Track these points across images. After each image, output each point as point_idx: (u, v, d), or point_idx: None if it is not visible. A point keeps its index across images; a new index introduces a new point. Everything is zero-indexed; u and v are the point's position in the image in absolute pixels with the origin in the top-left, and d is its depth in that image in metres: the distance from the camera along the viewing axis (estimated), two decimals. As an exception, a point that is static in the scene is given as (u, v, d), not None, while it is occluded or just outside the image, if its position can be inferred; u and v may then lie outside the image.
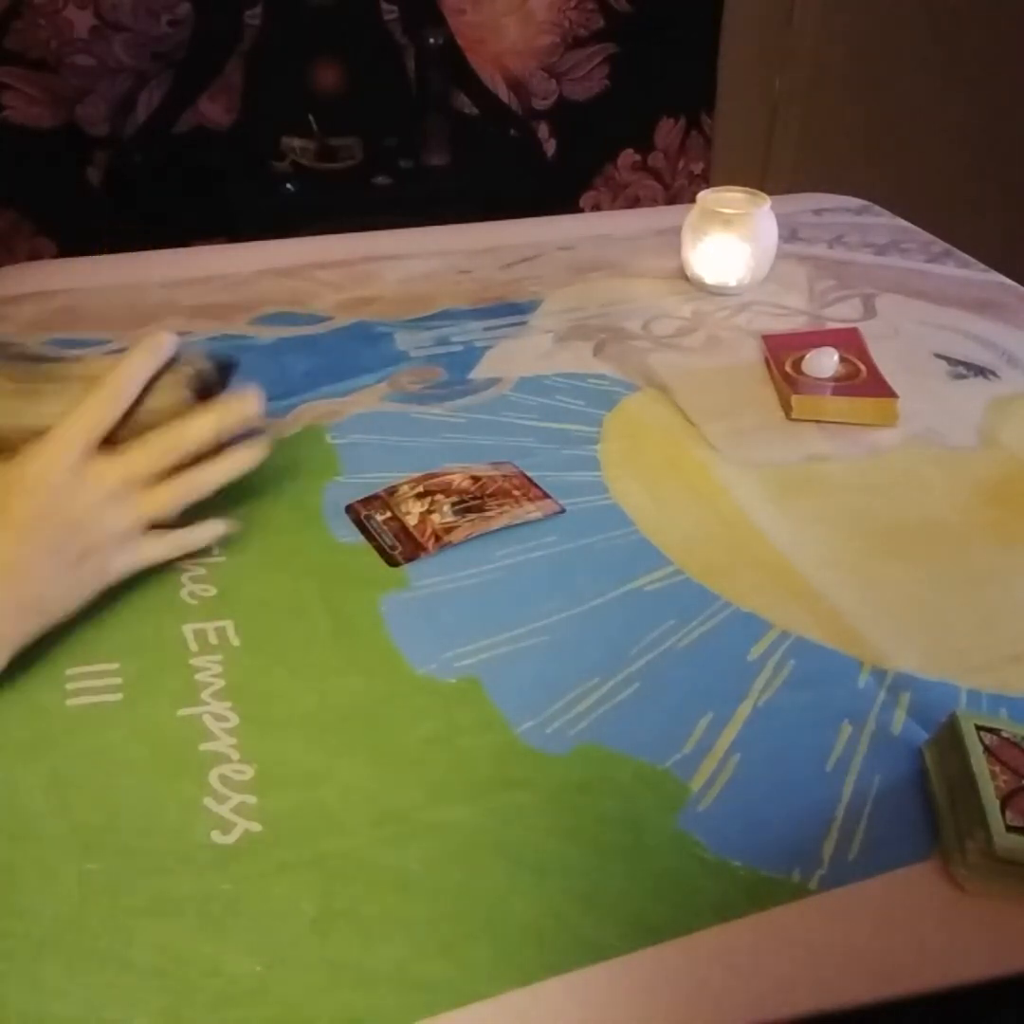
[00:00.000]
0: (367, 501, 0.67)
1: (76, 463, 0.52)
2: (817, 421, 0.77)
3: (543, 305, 0.94)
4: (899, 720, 0.52)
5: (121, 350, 0.56)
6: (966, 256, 1.06)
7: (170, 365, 0.57)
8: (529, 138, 2.12)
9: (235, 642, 0.56)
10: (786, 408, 0.78)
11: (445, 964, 0.41)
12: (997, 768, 0.45)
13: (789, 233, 1.06)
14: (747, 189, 0.94)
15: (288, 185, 1.89)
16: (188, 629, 0.57)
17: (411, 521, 0.64)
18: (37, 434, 0.53)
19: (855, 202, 1.19)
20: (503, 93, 2.05)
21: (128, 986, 0.40)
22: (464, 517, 0.65)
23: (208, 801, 0.47)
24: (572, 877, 0.45)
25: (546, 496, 0.67)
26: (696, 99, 2.18)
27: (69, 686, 0.53)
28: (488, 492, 0.67)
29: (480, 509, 0.65)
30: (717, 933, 0.43)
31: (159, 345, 0.56)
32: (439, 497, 0.66)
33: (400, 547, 0.63)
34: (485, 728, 0.51)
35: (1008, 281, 1.00)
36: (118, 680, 0.54)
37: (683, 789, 0.48)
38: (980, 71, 2.21)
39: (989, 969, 0.42)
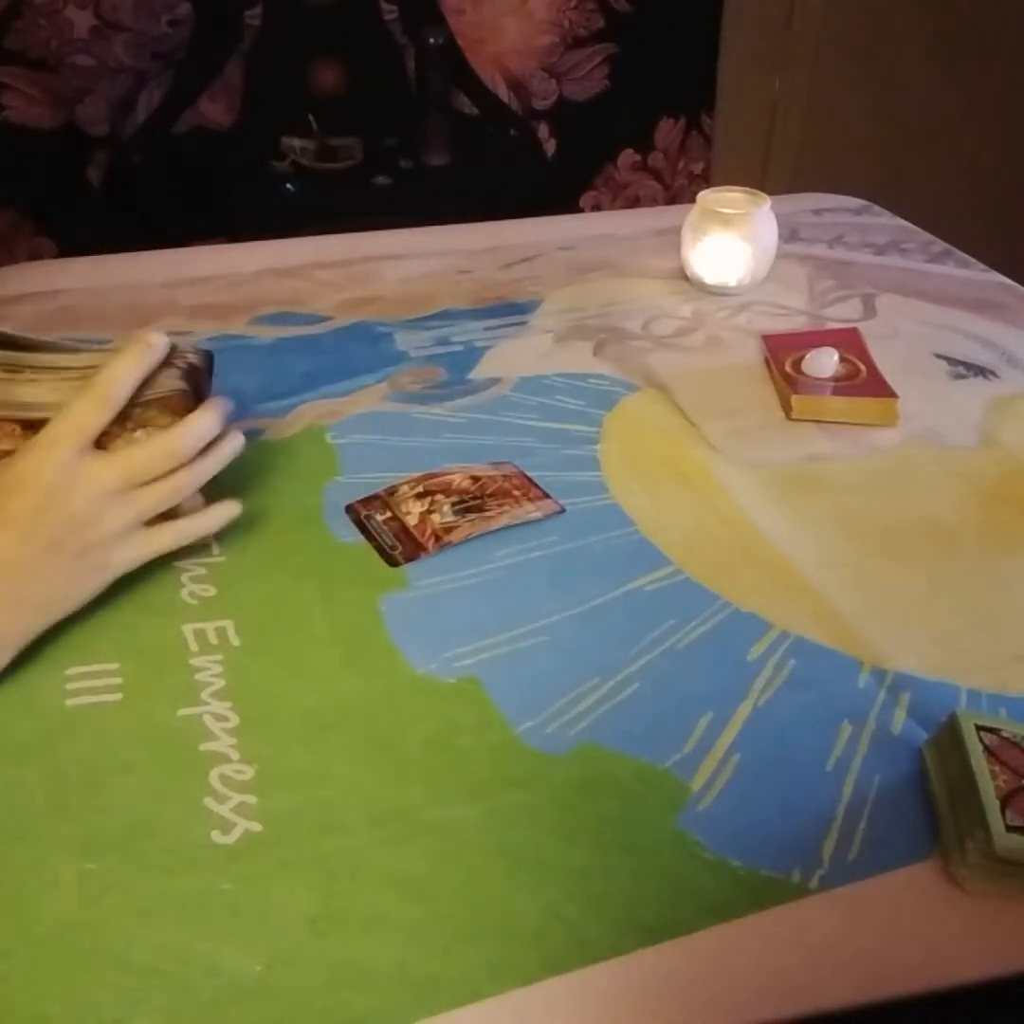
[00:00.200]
0: (367, 501, 0.67)
1: (70, 461, 0.52)
2: (817, 421, 0.77)
3: (543, 305, 0.94)
4: (899, 720, 0.52)
5: (115, 347, 0.56)
6: (966, 256, 1.06)
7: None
8: (529, 138, 2.12)
9: (235, 642, 0.56)
10: (786, 408, 0.78)
11: (445, 964, 0.41)
12: (997, 768, 0.45)
13: (789, 233, 1.06)
14: (747, 189, 0.94)
15: (288, 185, 1.89)
16: (188, 629, 0.57)
17: (411, 521, 0.65)
18: (20, 416, 0.53)
19: (855, 202, 1.19)
20: (503, 93, 2.06)
21: (128, 986, 0.40)
22: (464, 517, 0.65)
23: (208, 801, 0.47)
24: (572, 877, 0.45)
25: (546, 496, 0.67)
26: (696, 99, 2.18)
27: (69, 686, 0.53)
28: (488, 492, 0.67)
29: (480, 509, 0.65)
30: (717, 933, 0.43)
31: (151, 346, 0.55)
32: (439, 497, 0.66)
33: (400, 547, 0.63)
34: (485, 728, 0.51)
35: (1008, 281, 1.00)
36: (118, 680, 0.54)
37: (683, 789, 0.48)
38: (980, 71, 2.21)
39: (989, 969, 0.42)
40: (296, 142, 1.90)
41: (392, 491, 0.67)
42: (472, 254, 1.04)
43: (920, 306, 0.95)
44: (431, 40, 1.88)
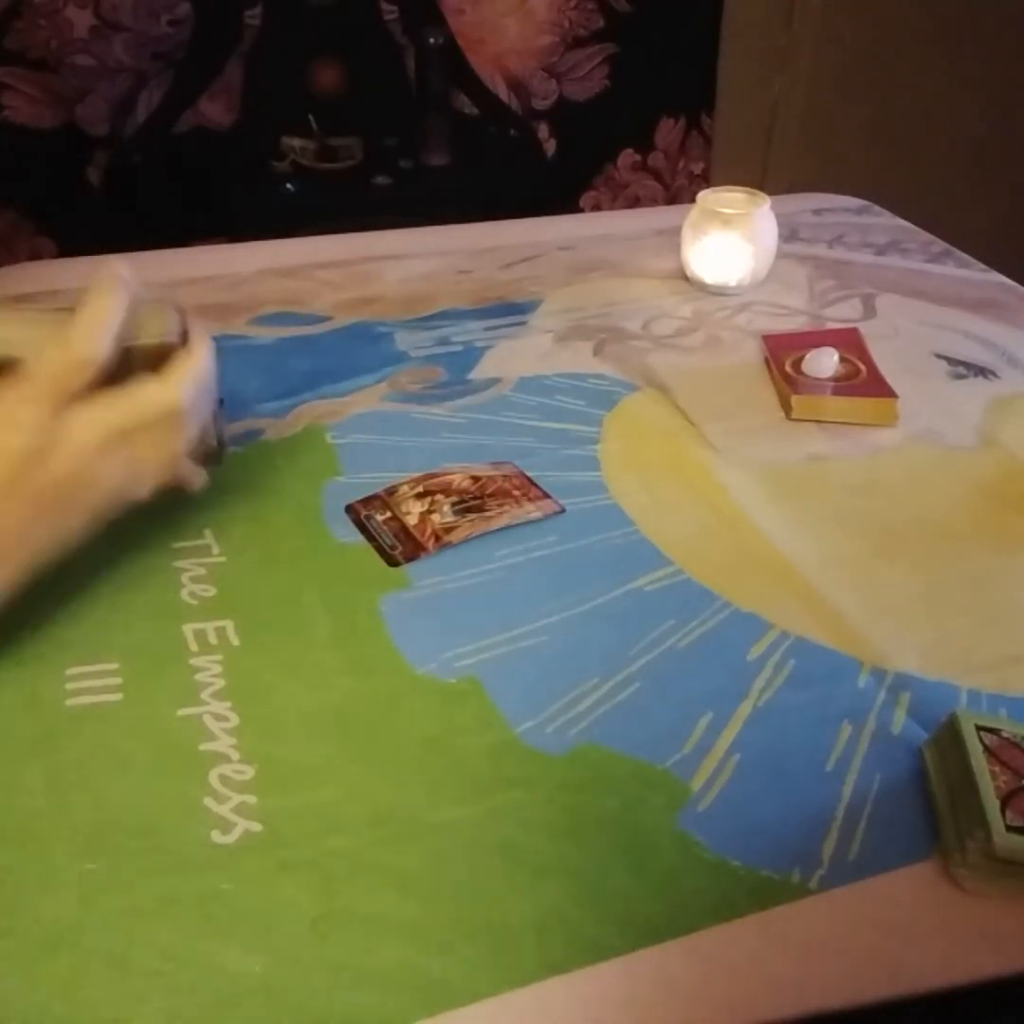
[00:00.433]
0: (367, 501, 0.67)
1: (43, 425, 0.48)
2: (817, 421, 0.77)
3: (543, 305, 0.94)
4: (899, 720, 0.52)
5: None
6: (966, 256, 1.06)
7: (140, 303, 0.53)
8: (529, 138, 2.12)
9: (235, 642, 0.56)
10: (786, 408, 0.78)
11: (445, 964, 0.41)
12: (997, 768, 0.45)
13: (789, 233, 1.06)
14: (747, 189, 0.94)
15: (288, 185, 1.89)
16: (188, 629, 0.57)
17: (411, 521, 0.65)
18: None
19: (855, 202, 1.19)
20: (503, 93, 2.06)
21: (128, 986, 0.40)
22: (464, 517, 0.65)
23: (208, 801, 0.47)
24: (572, 877, 0.45)
25: (546, 496, 0.67)
26: (696, 99, 2.18)
27: (69, 686, 0.53)
28: (488, 492, 0.67)
29: (480, 509, 0.65)
30: (717, 933, 0.43)
31: (123, 278, 0.51)
32: (439, 497, 0.66)
33: (400, 547, 0.63)
34: (485, 728, 0.51)
35: (1008, 281, 1.00)
36: (118, 680, 0.54)
37: (683, 789, 0.48)
38: (980, 71, 2.21)
39: (989, 969, 0.42)
40: (296, 142, 1.90)
41: (392, 491, 0.67)
42: (472, 254, 1.04)
43: (920, 306, 0.95)
44: (431, 40, 1.88)
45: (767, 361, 0.84)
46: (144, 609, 0.58)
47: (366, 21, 1.89)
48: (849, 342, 0.83)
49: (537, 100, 2.08)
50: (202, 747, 0.50)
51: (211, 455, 0.60)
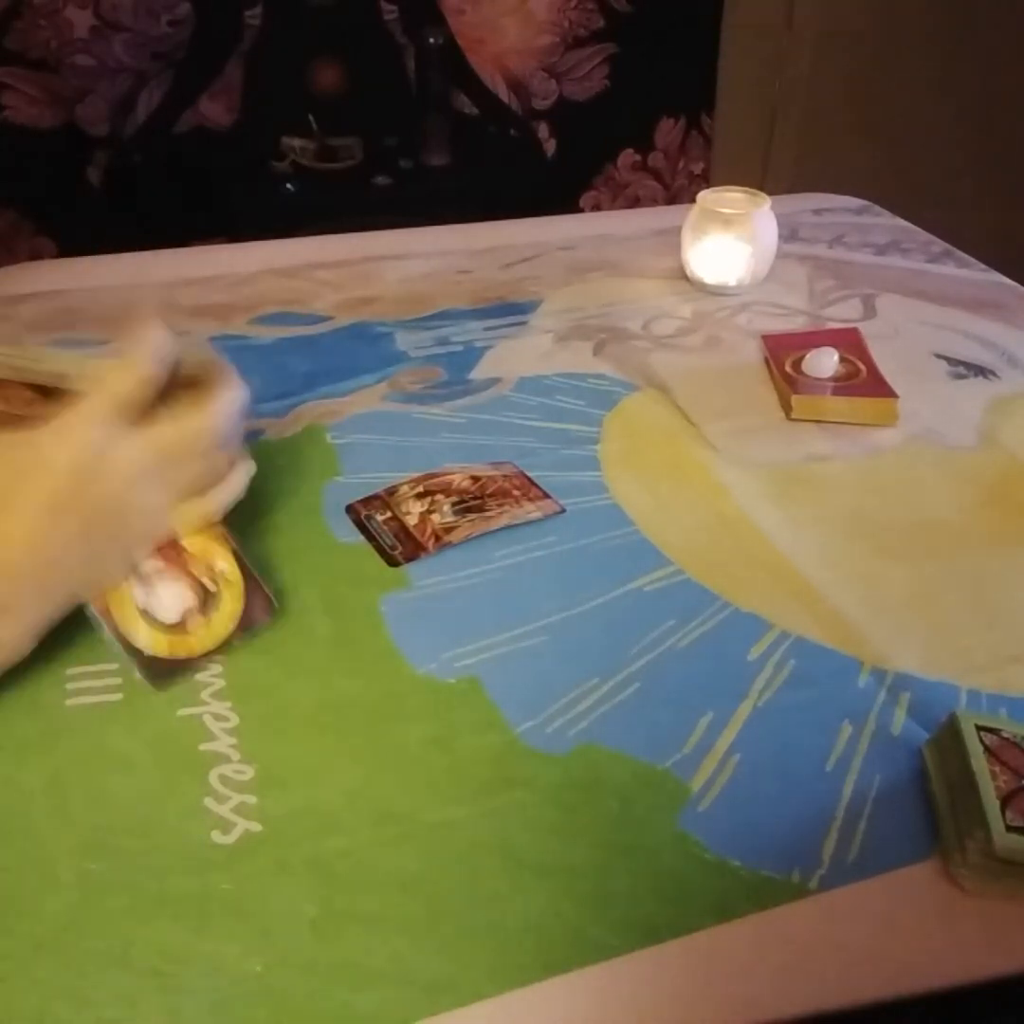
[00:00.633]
0: (367, 501, 0.67)
1: (102, 441, 0.49)
2: (817, 421, 0.77)
3: (543, 305, 0.94)
4: (899, 720, 0.52)
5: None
6: (966, 256, 1.06)
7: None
8: (529, 138, 2.12)
9: (235, 642, 0.56)
10: (786, 408, 0.78)
11: (445, 964, 0.41)
12: (997, 768, 0.45)
13: (789, 233, 1.06)
14: (747, 189, 0.94)
15: (288, 185, 1.89)
16: (188, 629, 0.57)
17: (411, 521, 0.65)
18: (33, 380, 0.50)
19: (855, 202, 1.19)
20: (503, 93, 2.06)
21: (128, 986, 0.40)
22: (464, 517, 0.65)
23: (208, 801, 0.47)
24: (572, 877, 0.45)
25: (546, 496, 0.67)
26: (696, 99, 2.18)
27: (69, 686, 0.53)
28: (488, 492, 0.67)
29: (480, 509, 0.65)
30: (717, 933, 0.43)
31: (155, 322, 0.52)
32: (439, 497, 0.66)
33: (400, 547, 0.63)
34: (485, 728, 0.51)
35: (1008, 281, 1.00)
36: (118, 680, 0.54)
37: (683, 789, 0.48)
38: (979, 71, 2.21)
39: (989, 969, 0.42)
40: (296, 142, 1.90)
41: (392, 491, 0.67)
42: (472, 254, 1.04)
43: (920, 306, 0.95)
44: (431, 40, 1.88)
45: (767, 361, 0.84)
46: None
47: (366, 21, 1.89)
48: (849, 342, 0.83)
49: (537, 100, 2.08)
50: (202, 747, 0.50)
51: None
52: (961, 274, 1.02)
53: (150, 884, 0.44)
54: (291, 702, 0.53)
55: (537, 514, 0.66)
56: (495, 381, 0.82)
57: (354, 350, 0.86)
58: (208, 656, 0.54)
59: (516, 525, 0.65)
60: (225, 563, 0.54)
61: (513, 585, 0.61)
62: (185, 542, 0.53)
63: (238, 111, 1.92)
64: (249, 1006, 0.40)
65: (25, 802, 0.47)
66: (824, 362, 0.79)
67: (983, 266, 1.03)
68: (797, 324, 0.91)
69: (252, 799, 0.48)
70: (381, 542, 0.63)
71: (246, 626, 0.55)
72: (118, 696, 0.53)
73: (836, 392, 0.78)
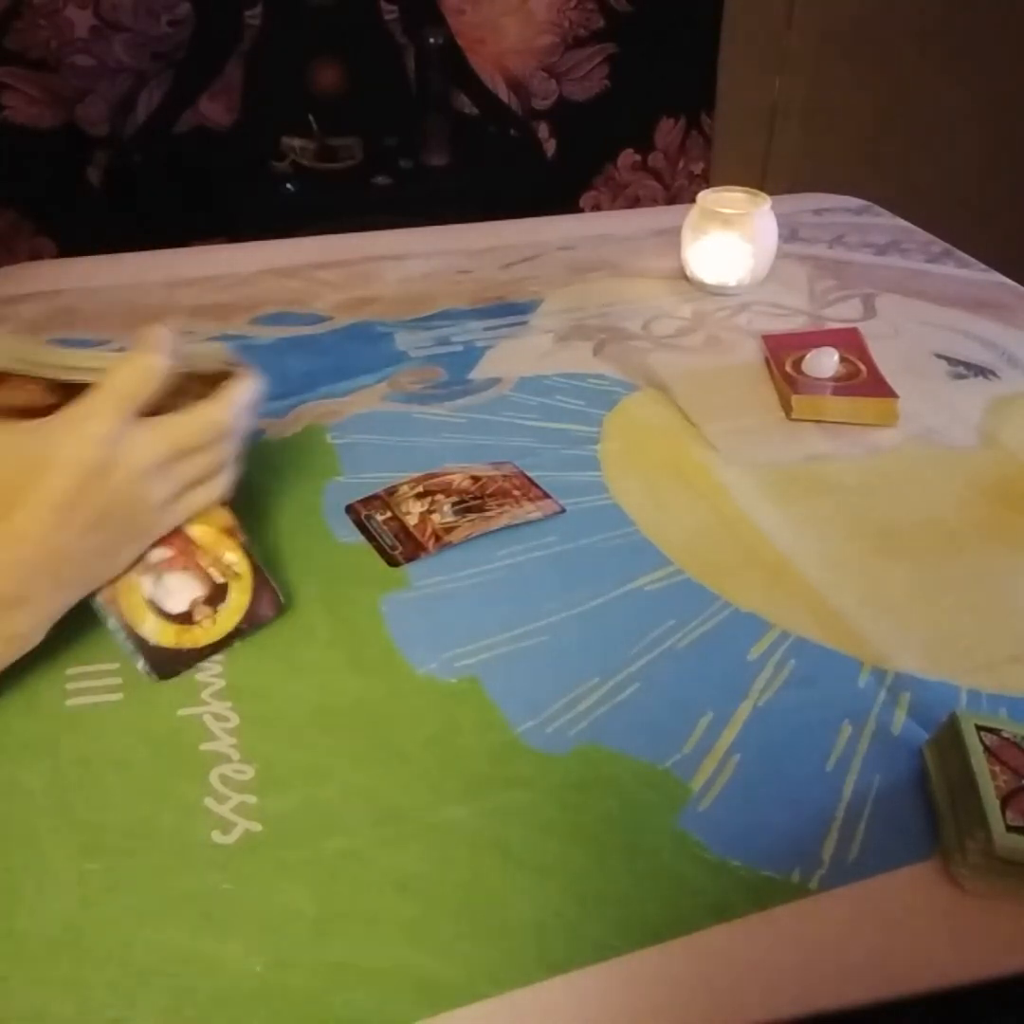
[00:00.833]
0: (367, 501, 0.67)
1: (112, 436, 0.49)
2: (817, 421, 0.77)
3: (543, 305, 0.94)
4: (899, 720, 0.52)
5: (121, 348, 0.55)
6: (966, 256, 1.06)
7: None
8: (529, 138, 2.12)
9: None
10: (786, 408, 0.78)
11: (445, 964, 0.41)
12: (997, 768, 0.45)
13: (789, 233, 1.06)
14: (747, 189, 0.94)
15: (288, 185, 1.89)
16: (188, 629, 0.57)
17: (411, 521, 0.65)
18: (45, 374, 0.50)
19: (855, 202, 1.19)
20: (503, 93, 2.06)
21: (128, 986, 0.40)
22: (464, 517, 0.65)
23: (208, 801, 0.47)
24: (572, 877, 0.45)
25: (546, 496, 0.67)
26: (696, 99, 2.18)
27: (69, 686, 0.53)
28: (488, 492, 0.67)
29: (480, 509, 0.65)
30: (717, 933, 0.43)
31: (162, 327, 0.52)
32: (439, 497, 0.66)
33: (400, 547, 0.63)
34: (485, 728, 0.51)
35: (1008, 281, 1.00)
36: (118, 680, 0.54)
37: (683, 789, 0.48)
38: (980, 70, 2.21)
39: (989, 969, 0.42)
40: (296, 142, 1.90)
41: (392, 491, 0.67)
42: (472, 254, 1.04)
43: (920, 306, 0.95)
44: (431, 40, 1.88)
45: (767, 361, 0.84)
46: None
47: (366, 21, 1.89)
48: (849, 342, 0.83)
49: (537, 100, 2.08)
50: (202, 747, 0.50)
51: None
52: (961, 274, 1.02)
53: (150, 884, 0.44)
54: (291, 702, 0.53)
55: (537, 514, 0.66)
56: (495, 381, 0.82)
57: (354, 350, 0.86)
58: (213, 648, 0.54)
59: (516, 525, 0.65)
60: (234, 556, 0.55)
61: (513, 585, 0.61)
62: (195, 533, 0.54)
63: (238, 111, 1.92)
64: (249, 1006, 0.40)
65: (25, 802, 0.47)
66: (824, 362, 0.79)
67: (983, 266, 1.03)
68: (797, 324, 0.91)
69: (252, 799, 0.48)
70: (381, 542, 0.63)
71: (253, 620, 0.55)
72: (118, 696, 0.53)
73: (836, 392, 0.78)
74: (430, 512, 0.65)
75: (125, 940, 0.42)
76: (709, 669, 0.55)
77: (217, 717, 0.52)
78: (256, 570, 0.55)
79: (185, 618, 0.53)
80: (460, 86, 2.00)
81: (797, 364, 0.80)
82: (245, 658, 0.55)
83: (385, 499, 0.67)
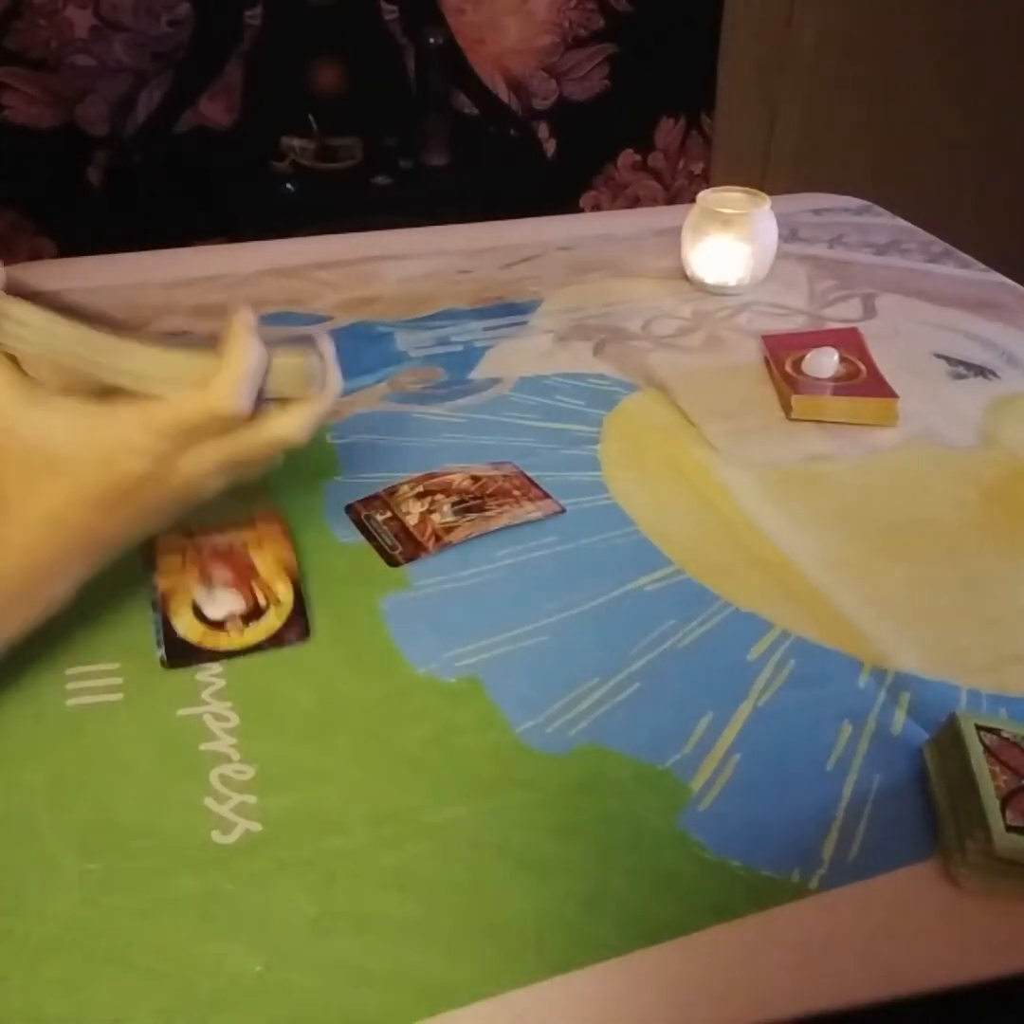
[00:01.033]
0: (367, 501, 0.67)
1: (167, 453, 0.48)
2: (817, 421, 0.77)
3: (543, 305, 0.94)
4: (899, 720, 0.52)
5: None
6: (966, 256, 1.06)
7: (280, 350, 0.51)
8: (529, 138, 2.12)
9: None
10: (786, 408, 0.78)
11: (445, 964, 0.41)
12: (997, 768, 0.45)
13: (789, 233, 1.06)
14: (747, 189, 0.94)
15: (288, 185, 1.89)
16: (188, 629, 0.57)
17: (411, 521, 0.65)
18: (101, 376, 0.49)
19: (855, 202, 1.19)
20: (503, 93, 2.05)
21: (128, 986, 0.40)
22: (464, 517, 0.65)
23: (208, 801, 0.47)
24: (572, 877, 0.45)
25: (546, 496, 0.67)
26: (696, 99, 2.18)
27: (69, 686, 0.53)
28: (488, 492, 0.67)
29: (480, 509, 0.65)
30: (717, 933, 0.43)
31: (251, 325, 0.50)
32: (439, 497, 0.66)
33: (400, 547, 0.63)
34: (485, 728, 0.51)
35: (1008, 281, 1.00)
36: (118, 680, 0.54)
37: (683, 789, 0.48)
38: (979, 71, 2.21)
39: (989, 969, 0.42)
40: (296, 142, 1.90)
41: (392, 491, 0.67)
42: (472, 254, 1.04)
43: (920, 306, 0.95)
44: (431, 40, 1.88)
45: (767, 361, 0.84)
46: (145, 610, 0.58)
47: (366, 21, 1.89)
48: (849, 342, 0.83)
49: (537, 100, 2.08)
50: (202, 747, 0.50)
51: None
52: (961, 274, 1.02)
53: (150, 884, 0.44)
54: (291, 702, 0.53)
55: (537, 514, 0.66)
56: (495, 381, 0.82)
57: (354, 350, 0.86)
58: (229, 654, 0.55)
59: (516, 525, 0.65)
60: (283, 587, 0.58)
61: (513, 585, 0.61)
62: (258, 564, 0.59)
63: (238, 111, 1.92)
64: (249, 1006, 0.40)
65: (26, 802, 0.47)
66: (824, 362, 0.79)
67: (983, 266, 1.03)
68: (797, 324, 0.91)
69: (252, 799, 0.48)
70: (381, 542, 0.63)
71: (276, 641, 0.56)
72: (118, 696, 0.53)
73: (836, 392, 0.78)
74: (430, 512, 0.65)
75: (125, 940, 0.42)
76: (709, 669, 0.55)
77: (217, 717, 0.52)
78: (297, 602, 0.58)
79: (218, 625, 0.56)
80: (460, 86, 2.00)
81: (797, 364, 0.80)
82: (245, 658, 0.55)
83: (385, 499, 0.67)
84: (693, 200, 0.94)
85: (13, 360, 0.49)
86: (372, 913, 0.43)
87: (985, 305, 0.95)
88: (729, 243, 0.93)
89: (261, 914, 0.43)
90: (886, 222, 1.15)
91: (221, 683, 0.54)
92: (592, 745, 0.51)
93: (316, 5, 1.85)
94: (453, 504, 0.66)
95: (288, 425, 0.52)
